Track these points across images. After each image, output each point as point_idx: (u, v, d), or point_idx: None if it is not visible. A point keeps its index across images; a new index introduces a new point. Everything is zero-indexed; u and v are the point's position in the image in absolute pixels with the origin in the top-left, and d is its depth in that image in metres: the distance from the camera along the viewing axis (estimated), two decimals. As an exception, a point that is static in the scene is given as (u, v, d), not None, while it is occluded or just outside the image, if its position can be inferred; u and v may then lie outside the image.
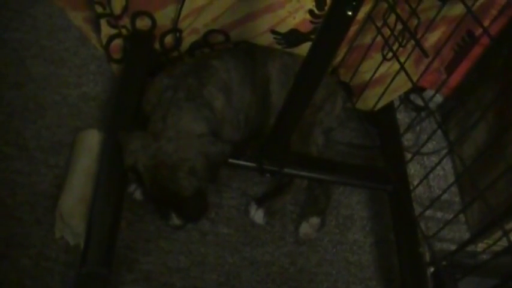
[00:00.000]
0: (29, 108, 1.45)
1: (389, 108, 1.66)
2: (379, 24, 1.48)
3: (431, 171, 1.43)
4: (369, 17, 1.49)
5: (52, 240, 1.26)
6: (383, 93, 1.57)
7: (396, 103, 1.66)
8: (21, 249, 1.24)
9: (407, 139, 1.71)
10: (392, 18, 1.44)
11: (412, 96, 1.78)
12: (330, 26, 1.08)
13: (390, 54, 1.49)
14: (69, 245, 1.26)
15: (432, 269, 1.46)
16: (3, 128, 1.40)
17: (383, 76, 1.59)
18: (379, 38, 1.50)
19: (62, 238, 1.27)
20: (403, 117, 1.75)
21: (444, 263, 1.43)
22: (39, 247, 1.25)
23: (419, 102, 1.74)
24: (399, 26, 1.43)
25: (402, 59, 1.43)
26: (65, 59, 1.55)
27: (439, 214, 1.62)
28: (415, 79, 1.43)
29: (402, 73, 1.42)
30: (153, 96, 1.32)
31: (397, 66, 1.47)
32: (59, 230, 1.27)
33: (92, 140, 1.36)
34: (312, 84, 1.22)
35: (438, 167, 1.61)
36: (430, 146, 1.71)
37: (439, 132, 1.37)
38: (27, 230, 1.27)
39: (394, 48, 1.45)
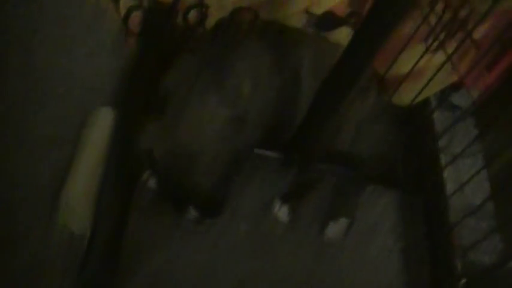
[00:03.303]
0: (35, 88, 1.33)
1: (426, 105, 1.54)
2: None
3: (468, 180, 1.32)
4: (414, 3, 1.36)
5: (58, 232, 1.14)
6: (421, 89, 1.46)
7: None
8: (19, 247, 1.12)
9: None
10: (439, 7, 1.33)
11: (448, 94, 1.65)
12: (385, 6, 0.95)
13: (434, 46, 1.37)
14: (72, 239, 1.14)
15: (463, 281, 1.34)
16: (5, 111, 1.28)
17: (422, 69, 1.48)
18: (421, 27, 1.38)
19: (65, 228, 1.15)
20: (436, 116, 1.62)
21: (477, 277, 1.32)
22: (38, 245, 1.14)
23: (456, 100, 1.62)
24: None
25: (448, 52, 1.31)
26: (73, 45, 1.43)
27: (471, 222, 1.49)
28: (455, 75, 1.30)
29: (444, 68, 1.34)
30: (174, 76, 1.21)
31: (438, 59, 1.38)
32: (63, 218, 1.15)
33: (104, 120, 1.24)
34: (352, 78, 1.14)
35: (472, 169, 1.49)
36: (463, 147, 1.58)
37: (474, 132, 1.30)
38: (25, 226, 1.15)
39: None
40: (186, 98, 1.14)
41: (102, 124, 1.24)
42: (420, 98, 1.50)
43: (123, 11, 1.39)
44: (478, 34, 1.41)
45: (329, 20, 1.41)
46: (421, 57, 1.43)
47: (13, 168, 1.22)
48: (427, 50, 1.39)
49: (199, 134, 1.10)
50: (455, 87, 1.58)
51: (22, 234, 1.14)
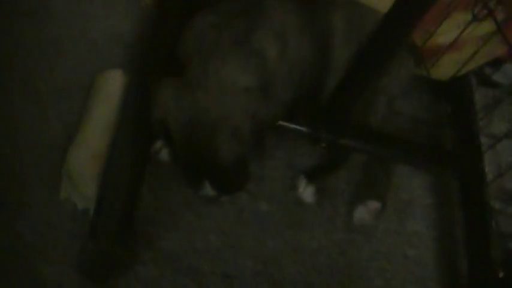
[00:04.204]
0: (43, 50, 1.23)
1: (465, 81, 1.42)
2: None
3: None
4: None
5: (57, 204, 1.03)
6: (464, 62, 1.33)
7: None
8: (20, 214, 1.01)
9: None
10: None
11: (488, 71, 1.54)
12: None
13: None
14: (76, 209, 1.03)
15: (502, 274, 1.23)
16: (10, 67, 1.18)
17: (464, 40, 1.35)
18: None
19: (68, 200, 1.04)
20: (476, 93, 1.49)
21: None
22: (41, 212, 1.03)
23: (497, 77, 1.50)
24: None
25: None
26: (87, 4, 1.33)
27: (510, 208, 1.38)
28: (502, 47, 1.18)
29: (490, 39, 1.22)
30: (191, 37, 1.07)
31: (482, 29, 1.25)
32: (65, 190, 1.05)
33: (113, 84, 1.13)
34: (391, 47, 1.03)
35: (508, 151, 1.37)
36: (502, 128, 1.47)
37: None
38: (27, 190, 1.05)
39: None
40: (205, 60, 1.01)
41: (111, 87, 1.12)
42: (461, 72, 1.37)
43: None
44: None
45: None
46: (467, 26, 1.29)
47: (20, 126, 1.12)
48: (474, 18, 1.26)
49: (220, 101, 0.98)
50: (497, 62, 1.47)
51: (22, 199, 1.03)
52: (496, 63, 1.47)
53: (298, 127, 1.13)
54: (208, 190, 1.02)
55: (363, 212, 1.20)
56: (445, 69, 1.39)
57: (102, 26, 1.28)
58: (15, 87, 1.16)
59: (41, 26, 1.24)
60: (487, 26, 1.25)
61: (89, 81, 1.17)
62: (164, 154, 1.13)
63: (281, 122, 1.10)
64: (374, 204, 1.20)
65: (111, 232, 0.94)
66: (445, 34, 1.34)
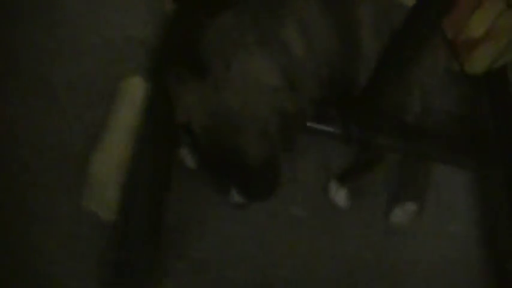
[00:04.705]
0: (62, 53, 1.19)
1: (502, 74, 1.34)
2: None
3: None
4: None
5: (79, 214, 0.99)
6: (499, 54, 1.27)
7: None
8: (40, 224, 0.97)
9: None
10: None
11: None
12: None
13: None
14: (98, 220, 0.99)
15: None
16: (31, 76, 1.14)
17: (499, 31, 1.28)
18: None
19: (91, 210, 1.00)
20: None
21: None
22: (62, 222, 1.00)
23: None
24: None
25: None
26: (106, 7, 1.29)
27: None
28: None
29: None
30: (214, 38, 1.03)
31: None
32: (88, 199, 1.01)
33: (136, 91, 1.08)
34: (421, 37, 0.99)
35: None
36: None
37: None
38: (53, 200, 1.01)
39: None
40: (230, 61, 0.96)
41: (134, 94, 1.08)
42: (496, 65, 1.30)
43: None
44: None
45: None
46: (498, 17, 1.23)
47: (41, 131, 1.08)
48: (509, 4, 1.19)
49: (246, 101, 0.93)
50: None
51: (48, 209, 1.00)
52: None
53: (327, 128, 1.08)
54: (237, 196, 0.98)
55: (400, 214, 1.14)
56: (479, 62, 1.32)
57: (122, 30, 1.24)
58: (34, 90, 1.13)
59: (61, 36, 1.21)
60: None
61: (109, 87, 1.13)
62: (190, 160, 1.09)
63: (310, 124, 1.05)
64: (411, 206, 1.15)
65: (136, 243, 0.90)
66: (478, 25, 1.28)
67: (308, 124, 1.06)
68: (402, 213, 1.14)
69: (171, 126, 0.98)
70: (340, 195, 1.13)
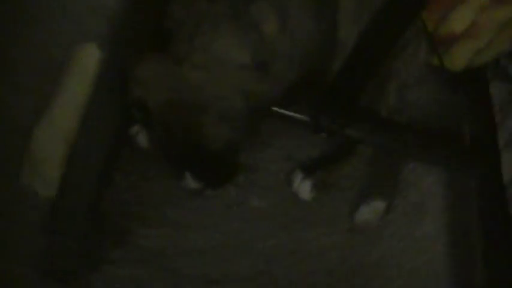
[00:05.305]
0: (17, 15, 1.12)
1: (482, 73, 1.30)
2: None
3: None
4: None
5: (16, 192, 0.92)
6: (478, 51, 1.22)
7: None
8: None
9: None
10: None
11: (503, 63, 1.43)
12: None
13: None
14: (38, 198, 0.90)
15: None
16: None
17: (482, 26, 1.24)
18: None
19: (29, 187, 0.91)
20: (492, 87, 1.38)
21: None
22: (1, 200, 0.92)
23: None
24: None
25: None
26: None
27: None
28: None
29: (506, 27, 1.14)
30: (179, 7, 0.95)
31: (502, 13, 1.16)
32: (26, 175, 0.92)
33: (89, 59, 1.00)
34: (399, 25, 1.00)
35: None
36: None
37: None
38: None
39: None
40: (195, 33, 0.89)
41: (86, 63, 0.99)
42: (476, 62, 1.26)
43: None
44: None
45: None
46: (481, 13, 1.19)
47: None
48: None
49: (210, 78, 0.86)
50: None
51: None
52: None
53: (295, 115, 1.01)
54: (191, 181, 0.90)
55: (367, 213, 1.08)
56: (459, 58, 1.28)
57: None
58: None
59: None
60: (508, 10, 1.16)
61: (64, 55, 1.05)
62: (142, 139, 1.01)
63: (278, 109, 0.98)
64: (379, 205, 1.09)
65: (73, 224, 0.81)
66: (459, 21, 1.23)
67: (275, 109, 0.98)
68: (369, 212, 1.08)
69: (124, 100, 0.90)
70: (304, 187, 1.07)
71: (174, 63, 0.88)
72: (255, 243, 1.01)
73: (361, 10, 1.10)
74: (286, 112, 1.01)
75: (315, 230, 1.05)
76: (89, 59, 1.01)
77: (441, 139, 1.23)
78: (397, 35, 0.97)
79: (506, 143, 1.22)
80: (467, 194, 1.18)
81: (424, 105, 1.28)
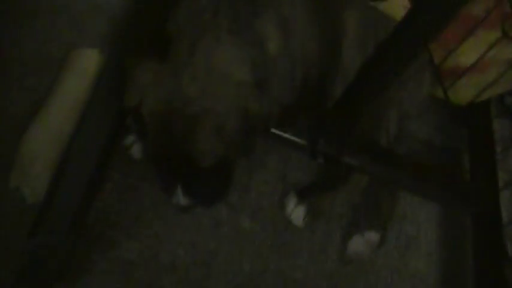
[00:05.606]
0: (17, 14, 1.08)
1: (485, 108, 1.28)
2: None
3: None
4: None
5: (3, 196, 0.87)
6: (485, 86, 1.21)
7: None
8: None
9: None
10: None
11: (508, 100, 1.41)
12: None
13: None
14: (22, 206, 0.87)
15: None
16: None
17: (488, 63, 1.22)
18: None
19: (18, 191, 0.87)
20: (495, 124, 1.35)
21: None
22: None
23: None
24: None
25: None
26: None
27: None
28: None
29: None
30: (182, 15, 0.92)
31: (509, 51, 1.13)
32: (16, 178, 0.88)
33: (87, 62, 0.98)
34: (404, 55, 0.91)
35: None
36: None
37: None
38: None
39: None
40: (196, 43, 0.86)
41: (84, 66, 0.97)
42: (481, 98, 1.24)
43: None
44: None
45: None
46: (490, 48, 1.16)
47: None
48: (504, 34, 1.12)
49: (206, 91, 0.83)
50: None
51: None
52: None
53: (293, 138, 0.98)
54: (181, 197, 0.86)
55: (359, 244, 1.05)
56: (463, 92, 1.26)
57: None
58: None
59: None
60: (512, 49, 1.12)
61: (62, 56, 1.02)
62: (136, 150, 0.98)
63: (275, 130, 0.95)
64: (372, 236, 1.05)
65: (56, 231, 0.78)
66: (468, 54, 1.21)
67: (272, 130, 0.95)
68: (362, 243, 1.05)
69: (120, 108, 0.87)
70: (297, 213, 1.03)
71: (173, 73, 0.85)
72: (242, 264, 0.96)
73: (366, 38, 1.08)
74: (284, 134, 0.98)
75: (305, 257, 1.01)
76: (89, 62, 0.99)
77: (440, 173, 1.20)
78: (401, 66, 0.94)
79: (506, 182, 1.19)
80: (462, 231, 1.15)
81: (424, 137, 1.25)
